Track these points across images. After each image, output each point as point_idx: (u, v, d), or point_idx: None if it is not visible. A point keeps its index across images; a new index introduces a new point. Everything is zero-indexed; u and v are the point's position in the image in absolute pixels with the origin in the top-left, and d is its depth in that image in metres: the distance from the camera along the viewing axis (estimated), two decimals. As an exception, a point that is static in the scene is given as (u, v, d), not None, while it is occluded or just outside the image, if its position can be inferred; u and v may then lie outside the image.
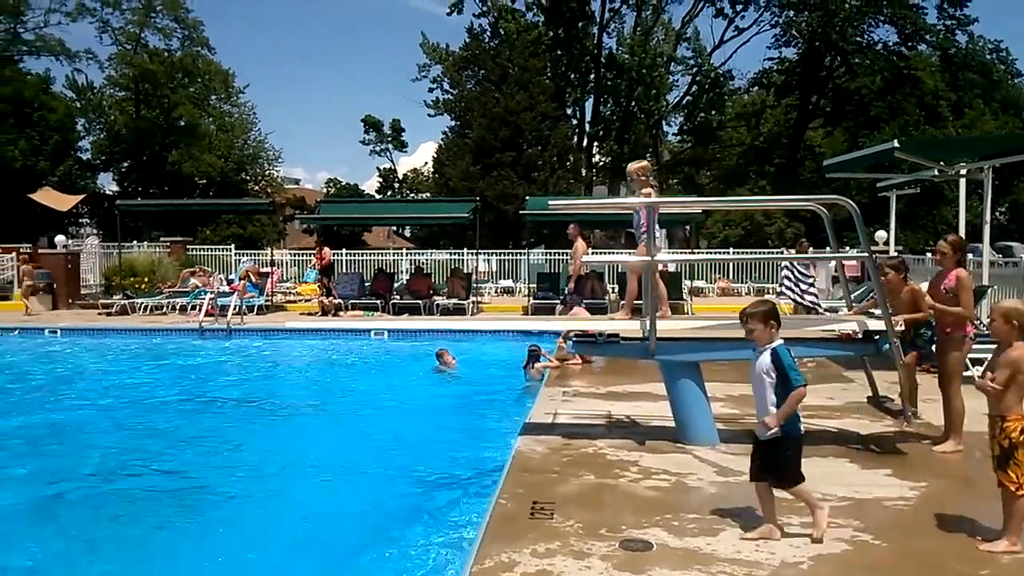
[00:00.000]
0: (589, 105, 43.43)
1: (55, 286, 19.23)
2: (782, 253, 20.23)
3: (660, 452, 5.95)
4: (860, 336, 6.45)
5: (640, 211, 6.80)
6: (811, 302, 13.65)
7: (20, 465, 7.23)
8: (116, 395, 10.66)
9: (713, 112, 44.48)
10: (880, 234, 17.64)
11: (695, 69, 44.03)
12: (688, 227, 25.77)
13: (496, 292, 22.99)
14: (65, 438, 8.33)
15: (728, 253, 26.38)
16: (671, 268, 19.54)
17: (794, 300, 13.86)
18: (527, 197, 23.05)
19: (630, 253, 8.49)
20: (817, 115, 44.05)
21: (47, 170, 35.93)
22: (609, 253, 25.59)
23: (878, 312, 6.10)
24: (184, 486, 6.68)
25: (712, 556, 4.01)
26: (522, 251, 24.58)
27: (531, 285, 19.61)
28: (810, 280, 13.90)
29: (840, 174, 14.89)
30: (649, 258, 6.31)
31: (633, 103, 42.82)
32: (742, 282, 23.75)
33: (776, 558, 3.97)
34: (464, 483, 6.52)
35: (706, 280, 24.26)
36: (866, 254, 6.35)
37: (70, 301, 19.39)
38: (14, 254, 21.07)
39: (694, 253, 25.01)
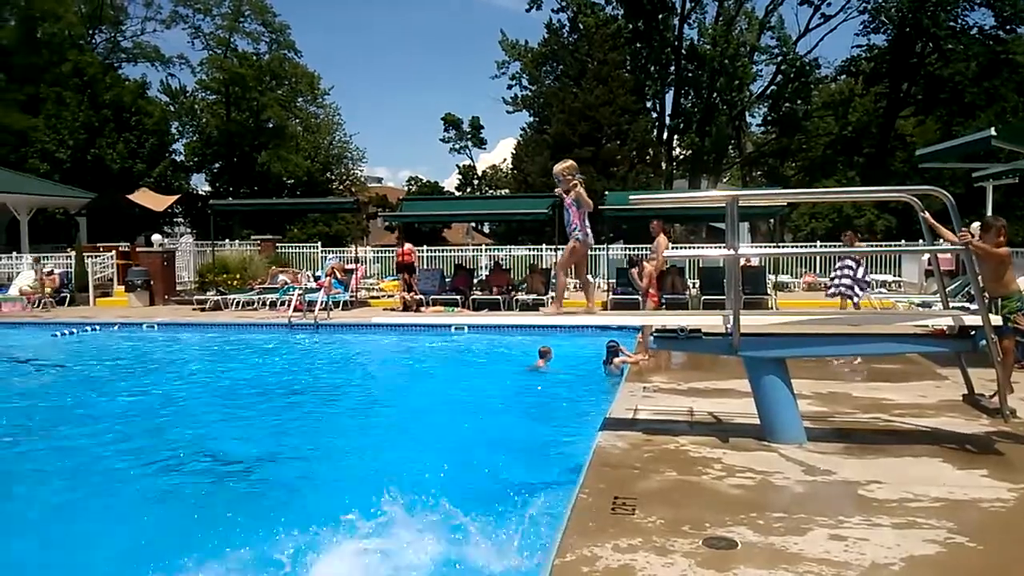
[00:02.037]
0: (669, 98, 42.98)
1: (152, 283, 20.11)
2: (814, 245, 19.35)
3: (744, 450, 5.85)
4: (955, 332, 6.21)
5: (570, 208, 7.13)
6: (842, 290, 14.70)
7: (116, 451, 7.61)
8: (209, 387, 11.12)
9: (799, 102, 43.28)
10: (975, 226, 16.91)
11: (779, 58, 42.92)
12: (772, 220, 25.18)
13: (575, 287, 22.92)
14: (160, 427, 8.72)
15: (815, 246, 25.69)
16: (754, 262, 19.15)
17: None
18: (606, 192, 22.92)
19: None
20: (908, 103, 42.37)
21: (144, 172, 37.58)
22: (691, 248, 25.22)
23: (974, 307, 5.88)
24: (269, 472, 6.93)
25: (799, 556, 3.93)
26: (601, 247, 24.46)
27: (610, 280, 19.50)
28: (846, 271, 14.75)
29: (933, 164, 14.37)
30: (734, 252, 6.22)
31: (715, 94, 42.09)
32: (829, 276, 23.03)
33: (866, 559, 3.88)
34: (544, 477, 6.57)
35: (791, 274, 23.67)
36: (961, 246, 6.12)
37: (166, 297, 20.24)
38: (114, 252, 22.12)
39: (778, 247, 24.42)
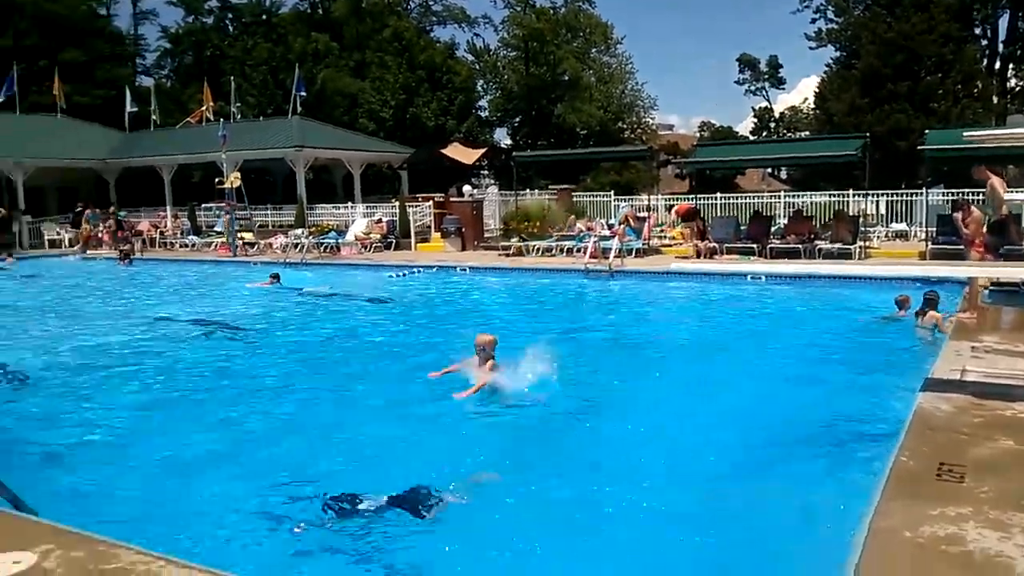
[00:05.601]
0: (1003, 22, 37.37)
1: (463, 230, 21.83)
2: None
3: (1099, 422, 5.18)
4: None
5: None
6: None
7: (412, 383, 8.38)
8: (507, 326, 11.81)
9: None
10: None
11: None
12: None
13: (887, 236, 21.15)
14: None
15: None
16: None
17: None
18: (925, 131, 20.71)
19: None
20: None
21: (454, 128, 40.61)
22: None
23: None
24: (561, 412, 7.24)
25: None
26: (918, 191, 22.23)
27: (929, 229, 17.73)
28: None
29: None
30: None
31: (1063, 14, 35.93)
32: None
33: None
34: (853, 435, 6.31)
35: None
36: None
37: (475, 243, 21.87)
38: (431, 202, 24.28)
39: None
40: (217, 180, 23.50)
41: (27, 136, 29.34)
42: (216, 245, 24.50)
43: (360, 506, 4.91)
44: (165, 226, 27.86)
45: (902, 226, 21.68)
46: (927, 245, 16.65)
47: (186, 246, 25.66)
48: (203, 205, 27.72)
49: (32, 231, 27.95)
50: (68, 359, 10.00)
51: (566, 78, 45.67)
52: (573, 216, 21.65)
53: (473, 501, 5.21)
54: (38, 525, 3.79)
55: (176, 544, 3.75)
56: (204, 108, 31.65)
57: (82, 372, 9.30)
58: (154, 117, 34.50)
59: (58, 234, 27.98)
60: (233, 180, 22.79)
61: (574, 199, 26.17)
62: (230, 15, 48.53)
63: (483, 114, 47.57)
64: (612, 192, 28.30)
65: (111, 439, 6.92)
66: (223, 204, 23.87)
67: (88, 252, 25.55)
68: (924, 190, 20.90)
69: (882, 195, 22.47)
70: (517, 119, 47.82)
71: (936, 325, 9.19)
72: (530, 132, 46.56)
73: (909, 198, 22.37)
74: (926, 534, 3.67)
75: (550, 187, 28.10)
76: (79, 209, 27.54)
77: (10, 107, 31.49)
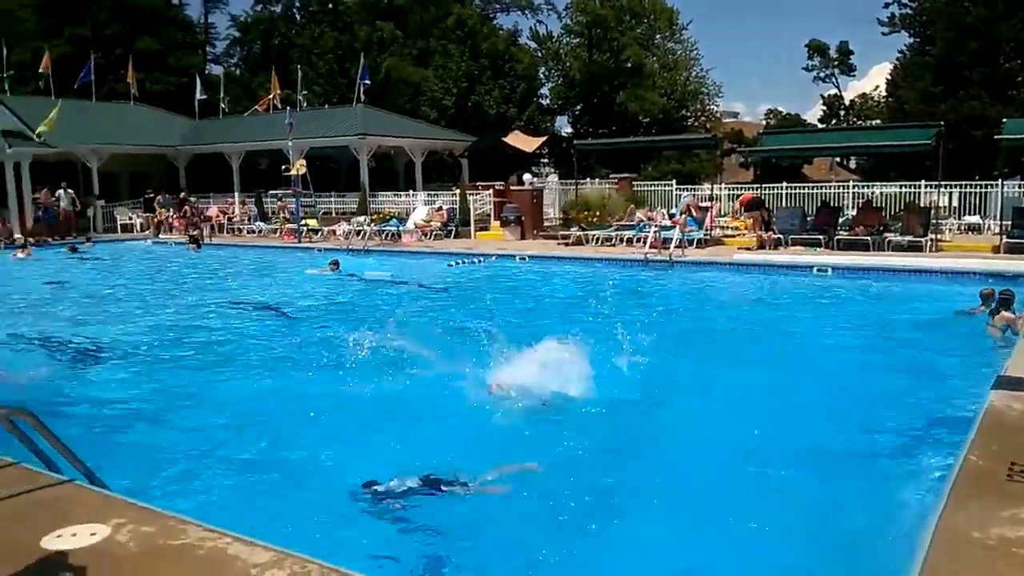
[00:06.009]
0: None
1: (523, 219, 21.83)
2: None
3: None
4: None
5: None
6: None
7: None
8: (565, 315, 11.80)
9: None
10: None
11: None
12: None
13: (959, 229, 20.46)
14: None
15: None
16: None
17: None
18: (1003, 120, 19.94)
19: None
20: None
21: (515, 116, 40.56)
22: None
23: None
24: (607, 403, 7.19)
25: None
26: (992, 182, 21.41)
27: (1003, 221, 17.11)
28: None
29: None
30: None
31: None
32: None
33: None
34: (921, 432, 6.16)
35: None
36: None
37: (535, 232, 21.84)
38: (491, 190, 24.33)
39: None
40: (283, 167, 23.93)
41: (102, 123, 30.34)
42: (281, 232, 25.01)
43: (409, 487, 5.00)
44: (233, 212, 28.52)
45: (975, 219, 20.93)
46: (1001, 239, 16.08)
47: (253, 232, 26.25)
48: (270, 192, 28.31)
49: (105, 215, 28.97)
50: (139, 338, 10.38)
51: (629, 65, 45.14)
52: (633, 205, 21.45)
53: (521, 489, 5.24)
54: (110, 499, 3.94)
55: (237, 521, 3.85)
56: (271, 96, 32.31)
57: (151, 351, 9.66)
58: (223, 105, 35.31)
59: (130, 219, 28.92)
60: (299, 167, 23.18)
61: (635, 188, 25.91)
62: (298, 4, 49.39)
63: (544, 102, 47.39)
64: (674, 181, 27.92)
65: (173, 415, 7.17)
66: (289, 191, 24.34)
67: (159, 236, 26.36)
68: (999, 181, 20.15)
69: (955, 186, 21.72)
70: (579, 107, 47.51)
71: (1009, 326, 8.87)
72: (591, 120, 46.21)
73: (983, 190, 21.58)
74: (995, 536, 3.56)
75: (611, 176, 27.87)
76: (150, 194, 28.45)
77: (86, 94, 32.60)
